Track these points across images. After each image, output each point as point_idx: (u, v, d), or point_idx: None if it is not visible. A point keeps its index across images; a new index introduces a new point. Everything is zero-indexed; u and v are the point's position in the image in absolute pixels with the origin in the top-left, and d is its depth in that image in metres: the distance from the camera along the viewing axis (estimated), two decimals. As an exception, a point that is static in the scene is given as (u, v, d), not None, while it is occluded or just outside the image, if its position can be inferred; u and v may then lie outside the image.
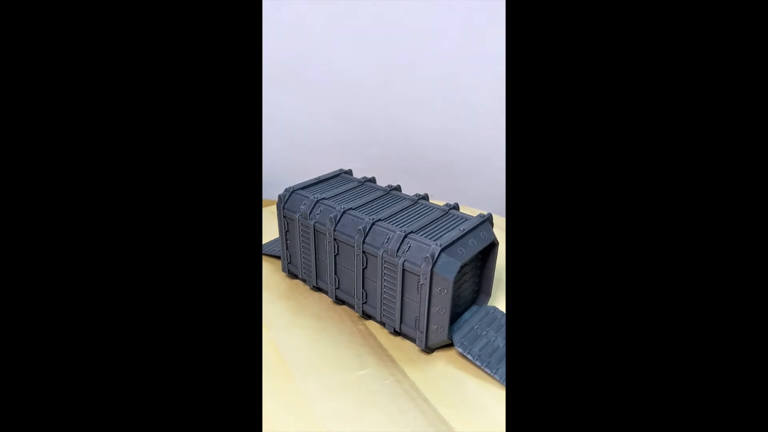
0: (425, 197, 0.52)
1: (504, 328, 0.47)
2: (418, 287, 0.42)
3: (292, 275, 0.57)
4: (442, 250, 0.41)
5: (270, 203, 0.90)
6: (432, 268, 0.41)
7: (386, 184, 0.56)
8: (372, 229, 0.45)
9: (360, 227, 0.45)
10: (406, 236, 0.43)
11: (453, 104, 0.98)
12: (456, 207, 0.50)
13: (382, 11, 0.91)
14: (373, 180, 0.57)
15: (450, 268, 0.41)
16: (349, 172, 0.59)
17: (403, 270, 0.43)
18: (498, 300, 0.53)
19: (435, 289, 0.41)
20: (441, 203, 0.54)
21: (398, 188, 0.55)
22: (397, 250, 0.43)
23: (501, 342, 0.46)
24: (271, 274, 0.58)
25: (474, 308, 0.50)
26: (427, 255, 0.41)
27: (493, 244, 0.47)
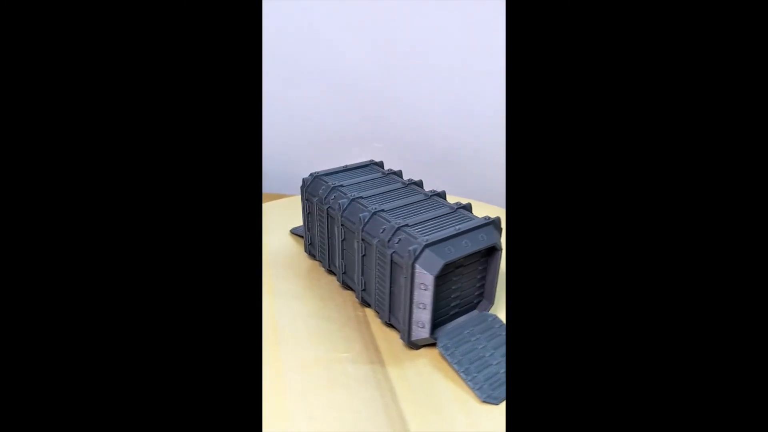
0: (441, 194, 0.52)
1: (497, 338, 0.45)
2: (403, 280, 0.42)
3: (312, 256, 0.59)
4: (426, 246, 0.41)
5: (277, 197, 0.94)
6: (413, 262, 0.40)
7: (408, 178, 0.56)
8: (372, 218, 0.46)
9: (361, 215, 0.46)
10: (398, 228, 0.43)
11: (465, 97, 0.95)
12: (468, 207, 0.48)
13: (387, 5, 0.90)
14: (399, 173, 0.57)
15: (433, 264, 0.40)
16: (380, 164, 0.60)
17: (392, 261, 0.43)
18: (502, 307, 0.51)
19: (417, 285, 0.41)
20: (464, 200, 0.52)
21: (420, 183, 0.54)
22: (388, 241, 0.43)
23: (490, 351, 0.44)
24: (295, 253, 0.61)
25: (473, 313, 0.48)
26: (410, 249, 0.40)
27: (495, 248, 0.45)
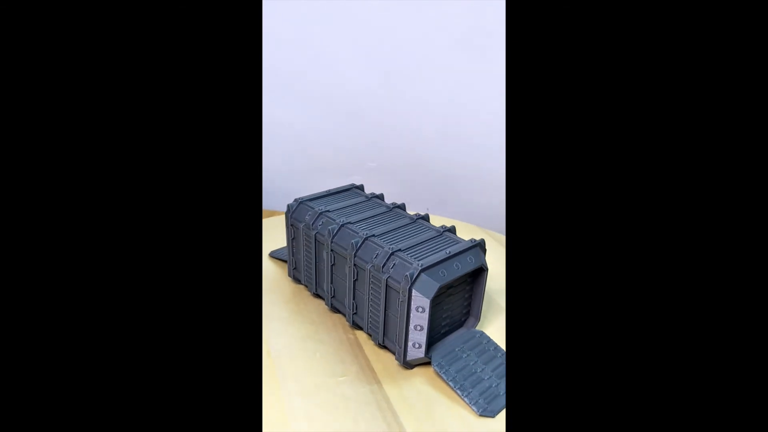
0: (425, 217, 0.54)
1: (486, 353, 0.48)
2: (398, 304, 0.44)
3: (296, 280, 0.60)
4: (422, 270, 0.43)
5: (272, 213, 0.94)
6: (410, 286, 0.42)
7: (391, 201, 0.58)
8: (364, 243, 0.48)
9: (353, 241, 0.48)
10: (392, 253, 0.45)
11: (457, 118, 1.00)
12: (452, 230, 0.51)
13: (385, 22, 0.94)
14: (381, 197, 0.59)
15: (428, 288, 0.42)
16: (361, 188, 0.62)
17: (387, 286, 0.45)
18: (487, 324, 0.54)
19: (413, 308, 0.43)
20: (448, 221, 0.55)
21: (402, 206, 0.57)
22: (383, 266, 0.45)
23: (481, 366, 0.46)
24: (277, 277, 0.62)
25: (461, 331, 0.50)
26: (407, 274, 0.42)
27: (482, 269, 0.48)
